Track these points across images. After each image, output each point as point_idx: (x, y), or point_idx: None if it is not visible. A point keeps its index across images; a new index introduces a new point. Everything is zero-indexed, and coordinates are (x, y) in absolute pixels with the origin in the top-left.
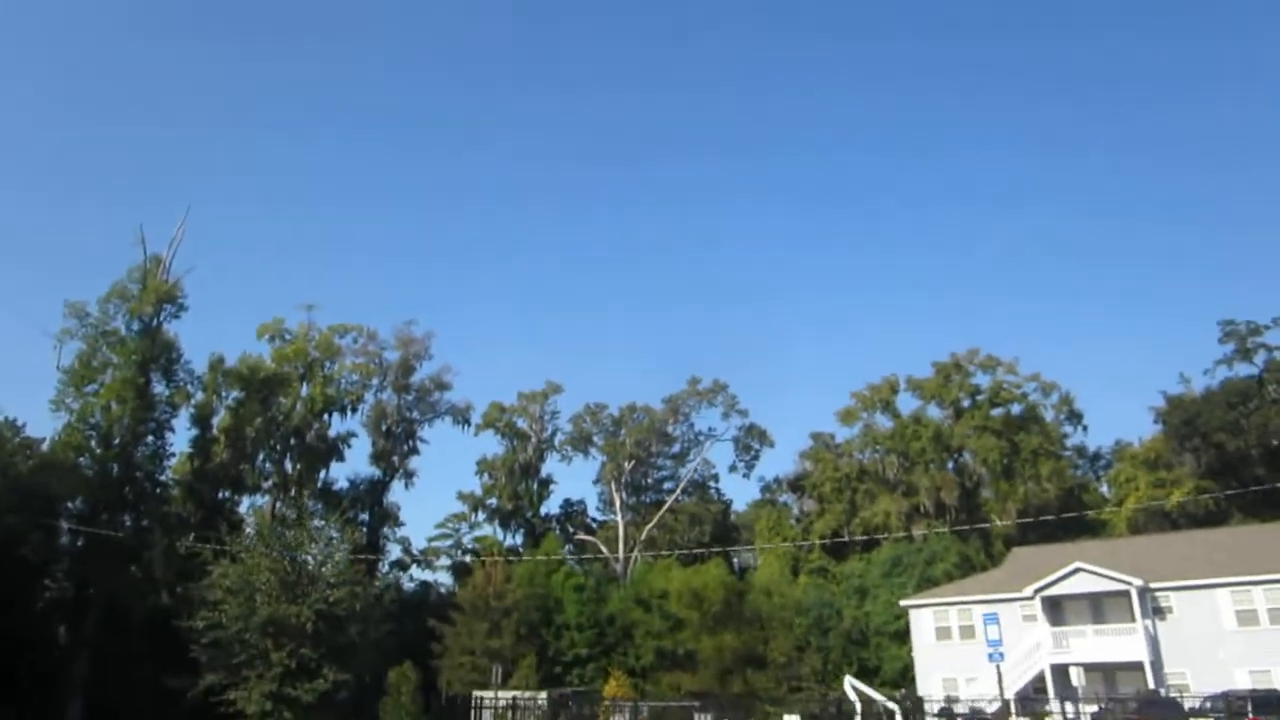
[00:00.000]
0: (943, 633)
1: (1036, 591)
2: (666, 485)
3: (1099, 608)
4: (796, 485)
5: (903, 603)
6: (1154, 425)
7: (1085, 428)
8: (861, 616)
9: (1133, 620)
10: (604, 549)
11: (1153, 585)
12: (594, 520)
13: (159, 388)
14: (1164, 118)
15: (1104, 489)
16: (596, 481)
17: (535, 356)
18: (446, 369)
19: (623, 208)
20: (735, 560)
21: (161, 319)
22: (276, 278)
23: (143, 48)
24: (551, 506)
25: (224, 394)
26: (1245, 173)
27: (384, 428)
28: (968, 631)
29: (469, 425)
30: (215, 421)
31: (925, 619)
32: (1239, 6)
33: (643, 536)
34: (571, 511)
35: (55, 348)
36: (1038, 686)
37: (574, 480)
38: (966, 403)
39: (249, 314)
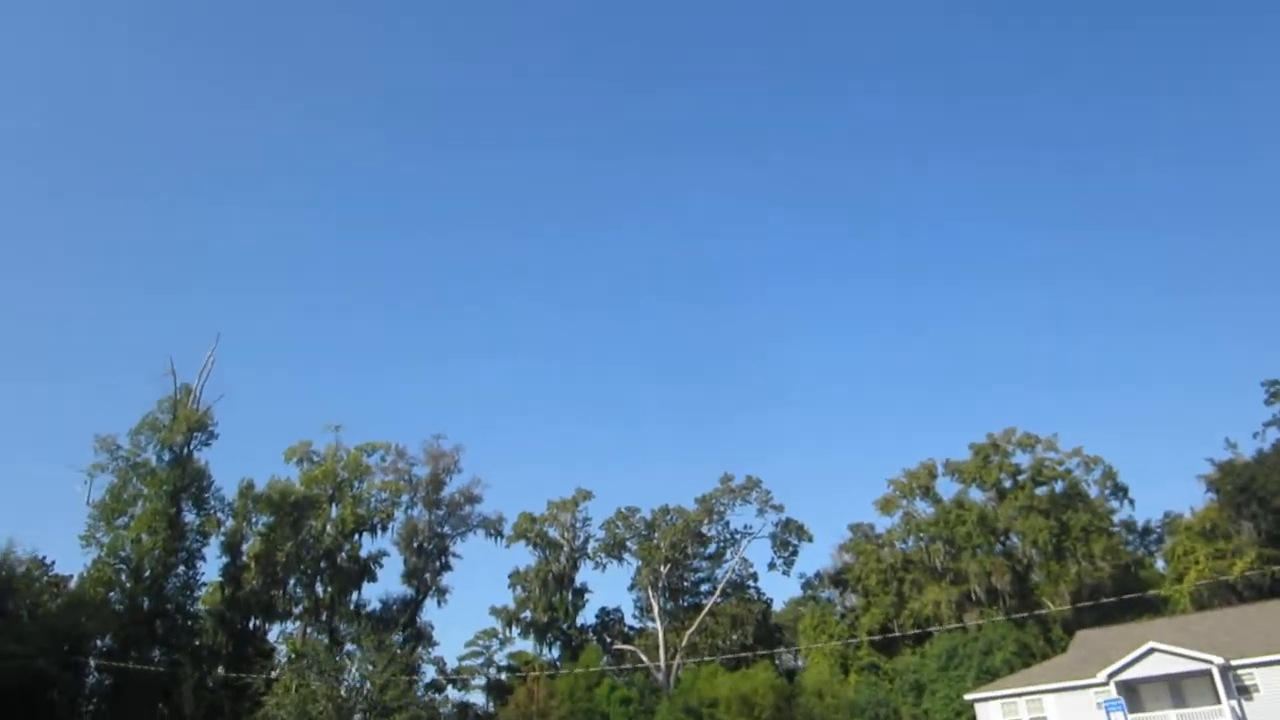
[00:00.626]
0: None
1: (1110, 676)
2: (703, 587)
3: (1178, 690)
4: (839, 580)
5: (967, 697)
6: (1205, 494)
7: (1132, 501)
8: (920, 714)
9: (1217, 701)
10: (644, 657)
11: (1234, 662)
12: (631, 628)
13: (189, 516)
14: (1198, 181)
15: (1160, 564)
16: (632, 588)
17: (563, 464)
18: (476, 481)
19: (644, 304)
20: (779, 662)
21: (191, 448)
22: (301, 398)
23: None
24: (587, 616)
25: (253, 519)
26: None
27: (415, 545)
28: None
29: (501, 538)
30: (245, 548)
31: (992, 713)
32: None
33: (684, 642)
34: (608, 620)
35: (86, 482)
36: None
37: (608, 588)
38: (1008, 483)
39: (275, 437)
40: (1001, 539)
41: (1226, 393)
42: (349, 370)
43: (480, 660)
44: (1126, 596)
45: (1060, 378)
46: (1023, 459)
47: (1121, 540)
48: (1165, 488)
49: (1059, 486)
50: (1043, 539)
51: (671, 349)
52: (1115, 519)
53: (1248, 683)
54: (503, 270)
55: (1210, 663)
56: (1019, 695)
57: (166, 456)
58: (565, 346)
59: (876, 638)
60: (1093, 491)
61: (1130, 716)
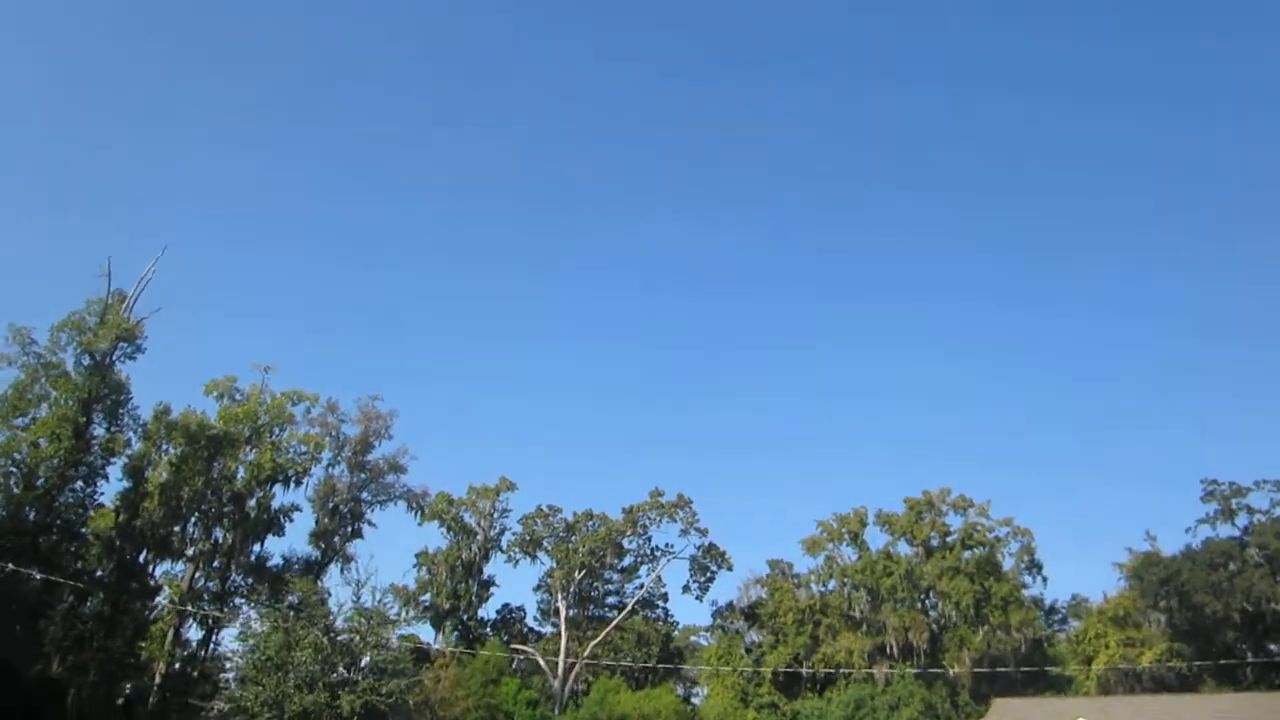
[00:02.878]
0: None
1: None
2: (610, 600)
3: None
4: (751, 614)
5: None
6: (1119, 582)
7: (1045, 579)
8: None
9: None
10: (542, 662)
11: None
12: (532, 630)
13: (99, 431)
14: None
15: (1065, 644)
16: (538, 588)
17: (489, 450)
18: (403, 451)
19: (606, 293)
20: (680, 688)
21: (114, 358)
22: (230, 333)
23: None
24: (488, 611)
25: (163, 447)
26: (1220, 340)
27: (331, 505)
28: None
29: (421, 512)
30: (149, 475)
31: None
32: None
33: (586, 652)
34: (510, 618)
35: None
36: None
37: (514, 586)
38: (935, 542)
39: (197, 367)
40: (924, 596)
41: (1144, 487)
42: (291, 320)
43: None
44: (1030, 670)
45: (990, 447)
46: (954, 520)
47: (1036, 615)
48: (1072, 570)
49: (985, 553)
50: (965, 602)
51: (622, 359)
52: (1026, 593)
53: None
54: (476, 244)
55: None
56: None
57: (85, 361)
58: (507, 327)
59: (782, 677)
60: (1007, 564)
61: None
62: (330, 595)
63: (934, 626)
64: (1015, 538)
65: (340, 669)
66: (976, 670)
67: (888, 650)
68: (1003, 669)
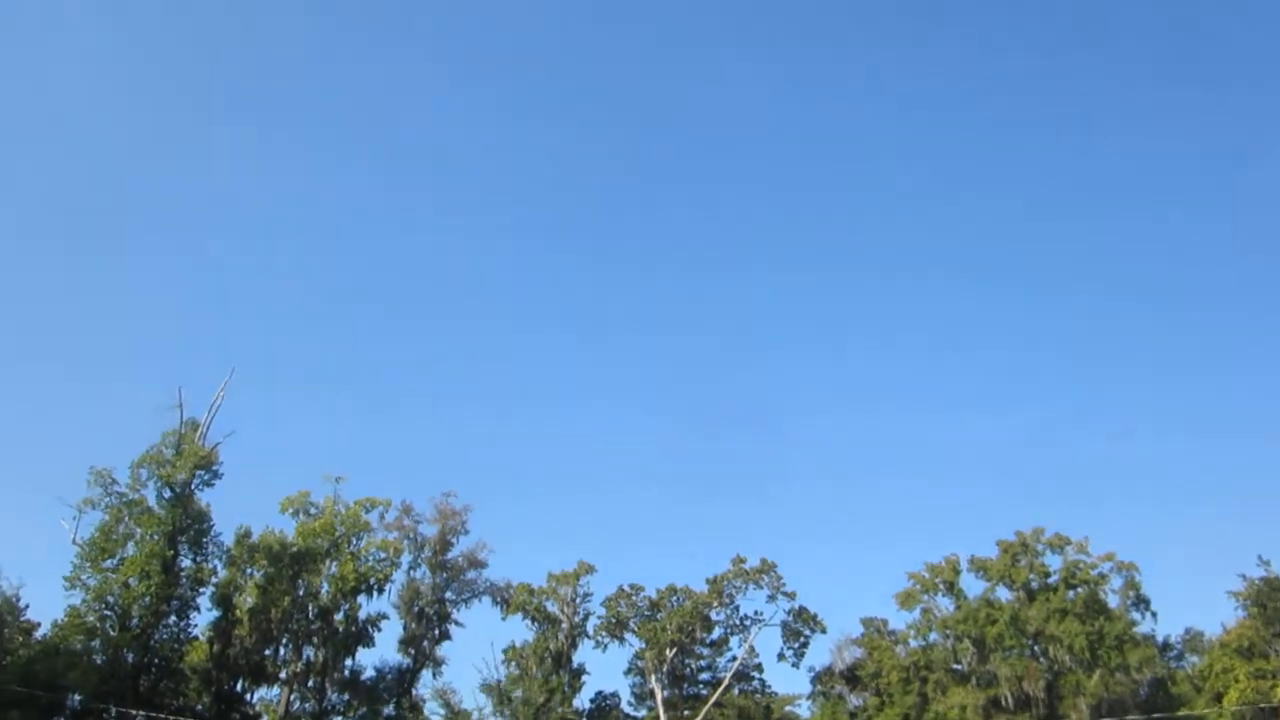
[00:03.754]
0: None
1: None
2: (703, 676)
3: None
4: (852, 676)
5: None
6: (1236, 611)
7: (1154, 615)
8: None
9: None
10: None
11: None
12: (628, 716)
13: (186, 562)
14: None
15: (1185, 681)
16: (629, 671)
17: (565, 536)
18: (481, 545)
19: (660, 370)
20: None
21: (194, 487)
22: (295, 447)
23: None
24: (582, 700)
25: (248, 571)
26: None
27: (416, 609)
28: None
29: (507, 606)
30: (238, 600)
31: None
32: None
33: None
34: (604, 705)
35: (75, 518)
36: None
37: (604, 672)
38: (1035, 584)
39: (268, 487)
40: (1032, 643)
41: (1251, 507)
42: (356, 417)
43: None
44: (1157, 713)
45: (1076, 480)
46: (1053, 560)
47: (1154, 652)
48: (1181, 604)
49: (1089, 591)
50: (1078, 644)
51: (683, 421)
52: (1137, 631)
53: None
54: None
55: None
56: None
57: (167, 494)
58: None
59: None
60: (1112, 601)
61: None
62: (425, 702)
63: (1048, 674)
64: (1119, 573)
65: None
66: (1100, 718)
67: (1002, 703)
68: (1130, 716)
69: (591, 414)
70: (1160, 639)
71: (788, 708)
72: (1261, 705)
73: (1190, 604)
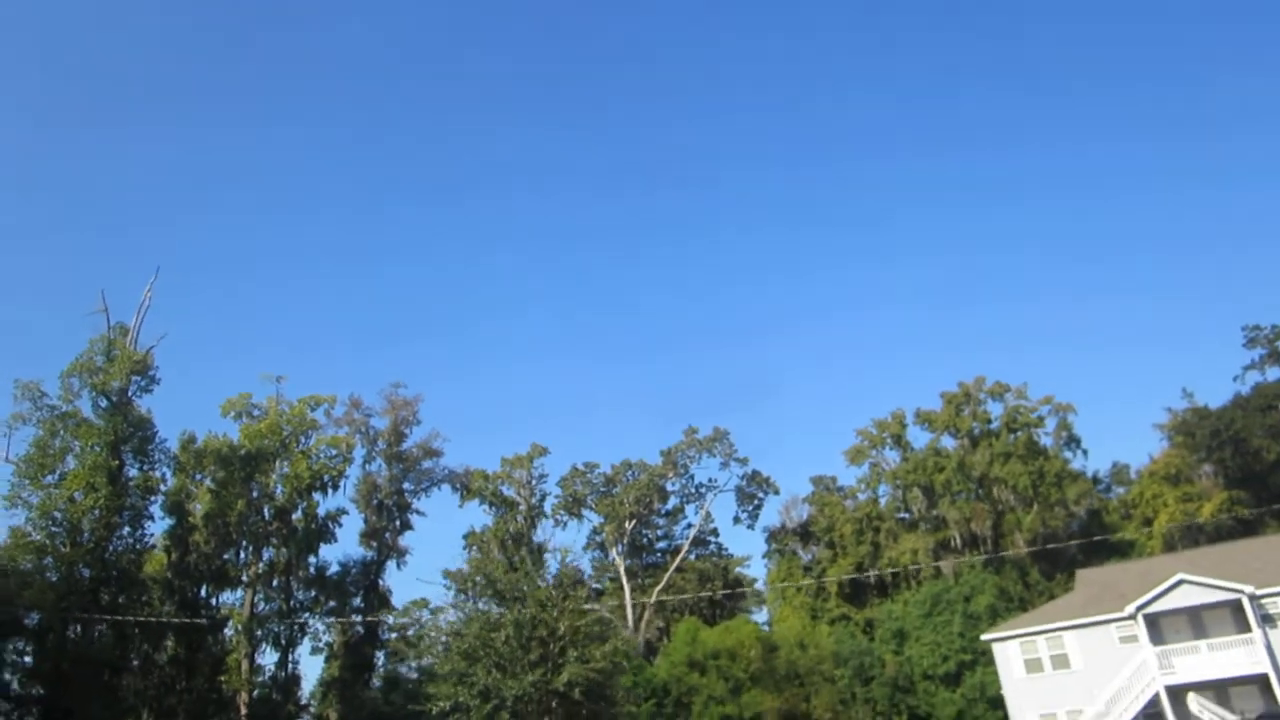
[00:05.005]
0: (1032, 665)
1: (1139, 609)
2: (661, 545)
3: (1198, 622)
4: (806, 532)
5: (985, 637)
6: (1161, 442)
7: (1085, 452)
8: (904, 661)
9: (1247, 630)
10: (611, 617)
11: (1259, 592)
12: (592, 589)
13: (132, 471)
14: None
15: (1116, 511)
16: (587, 547)
17: (515, 421)
18: (435, 435)
19: (595, 248)
20: (749, 617)
21: (131, 394)
22: (227, 350)
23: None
24: (545, 579)
25: (197, 476)
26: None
27: (375, 502)
28: (1060, 661)
29: (467, 492)
30: (190, 507)
31: (1011, 652)
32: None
33: (652, 599)
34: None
35: (5, 435)
36: (1150, 713)
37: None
38: (978, 432)
39: (205, 391)
40: (977, 486)
41: (1168, 347)
42: (280, 324)
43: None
44: (1095, 539)
45: (1011, 330)
46: (994, 408)
47: (1091, 486)
48: (1107, 440)
49: (1029, 434)
50: (1022, 484)
51: (626, 291)
52: (1071, 468)
53: (1271, 612)
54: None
55: (1241, 592)
56: (1038, 634)
57: (103, 404)
58: (512, 296)
59: (852, 583)
60: (1046, 442)
61: (1155, 649)
62: (391, 593)
63: (993, 514)
64: (1055, 414)
65: (542, 646)
66: (1049, 547)
67: (951, 544)
68: (1070, 543)
69: (532, 296)
70: (1090, 474)
71: (738, 569)
72: (1189, 524)
73: (1114, 440)
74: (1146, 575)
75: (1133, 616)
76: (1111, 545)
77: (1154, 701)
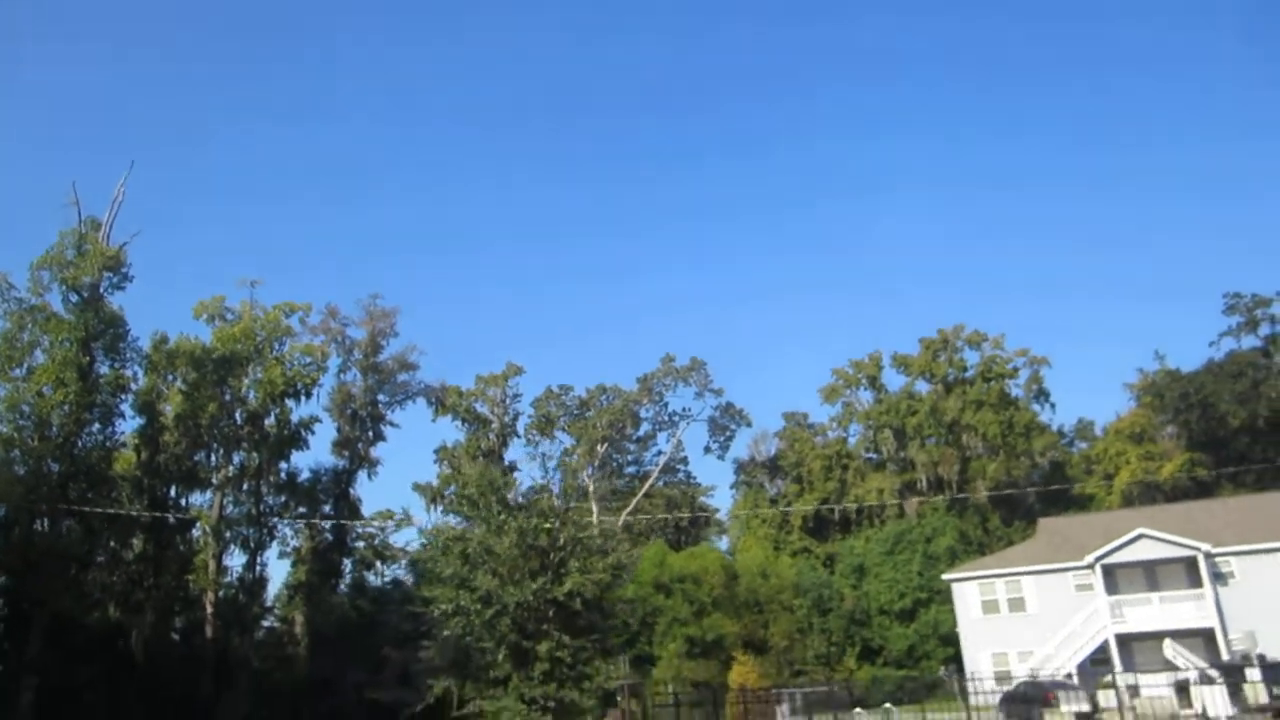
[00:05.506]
0: (989, 606)
1: (1097, 560)
2: (630, 469)
3: (1153, 576)
4: (774, 466)
5: (945, 576)
6: (1128, 401)
7: (1053, 406)
8: (862, 595)
9: (1199, 586)
10: (612, 528)
11: (1214, 551)
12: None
13: (103, 369)
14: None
15: (1079, 464)
16: (559, 468)
17: (491, 339)
18: (411, 348)
19: (583, 171)
20: (711, 545)
21: (103, 290)
22: (200, 251)
23: None
24: (515, 497)
25: (169, 377)
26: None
27: (349, 411)
28: (1017, 604)
29: (441, 406)
30: (160, 407)
31: (970, 592)
32: None
33: (620, 522)
34: (536, 497)
35: None
36: (1097, 659)
37: (535, 469)
38: (952, 378)
39: (177, 292)
40: (948, 431)
41: (1143, 307)
42: (259, 227)
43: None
44: (1055, 489)
45: (993, 279)
46: (971, 356)
47: (1058, 439)
48: (1074, 396)
49: (1002, 384)
50: (992, 432)
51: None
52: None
53: (1223, 570)
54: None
55: (1197, 549)
56: (997, 576)
57: (74, 299)
58: (492, 216)
59: (817, 518)
60: (1016, 394)
61: (1109, 599)
62: (361, 502)
63: (960, 459)
64: (1031, 366)
65: (541, 555)
66: (1010, 493)
67: (917, 486)
68: (1030, 490)
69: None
70: (1055, 427)
71: (702, 498)
72: (1148, 482)
73: (1081, 397)
74: (1106, 528)
75: (1091, 566)
76: (1070, 497)
77: (1103, 648)
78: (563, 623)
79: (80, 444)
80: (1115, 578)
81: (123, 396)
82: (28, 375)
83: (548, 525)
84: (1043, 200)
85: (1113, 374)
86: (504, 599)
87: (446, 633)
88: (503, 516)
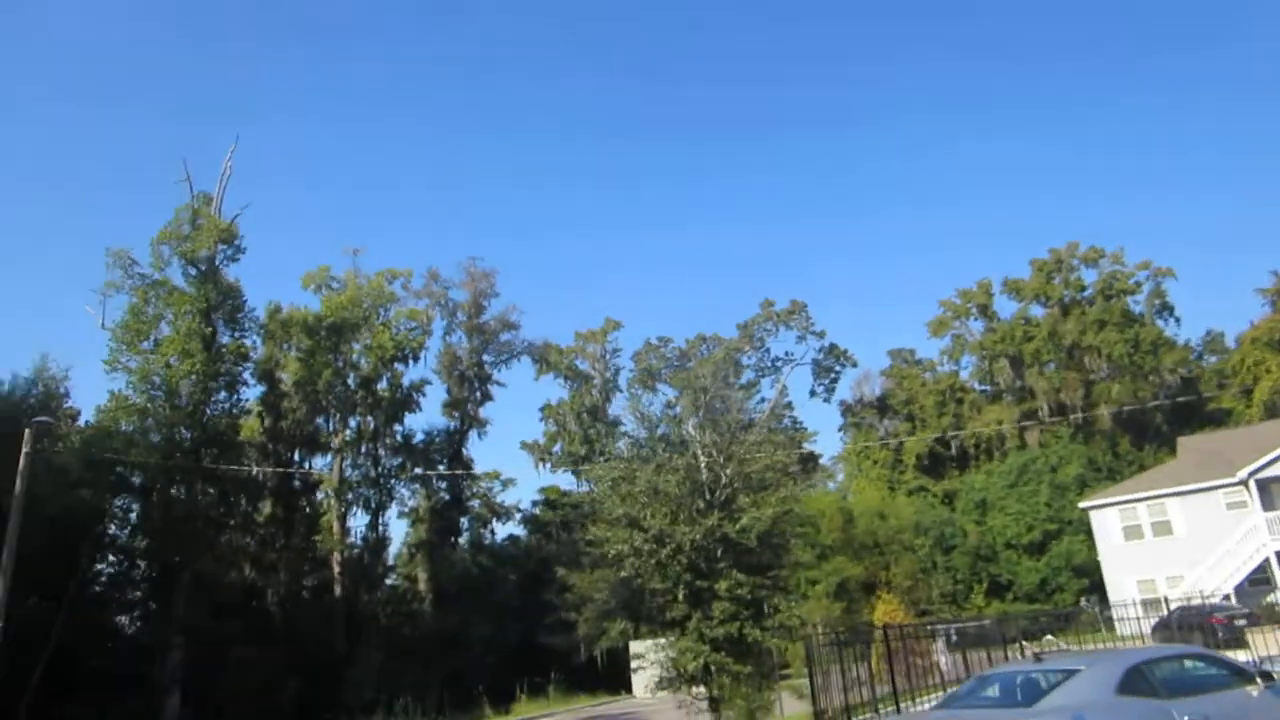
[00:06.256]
0: (1132, 532)
1: (1251, 474)
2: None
3: None
4: (883, 405)
5: (1081, 504)
6: (1262, 307)
7: (1178, 320)
8: (986, 531)
9: None
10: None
11: None
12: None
13: (224, 338)
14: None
15: (1214, 378)
16: (661, 421)
17: (585, 295)
18: (512, 308)
19: (668, 125)
20: (824, 489)
21: (219, 262)
22: (312, 217)
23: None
24: (621, 449)
25: (284, 345)
26: None
27: (457, 373)
28: (1162, 528)
29: (547, 365)
30: (281, 376)
31: (1110, 519)
32: None
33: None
34: (644, 451)
35: (100, 302)
36: (1255, 579)
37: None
38: (1068, 299)
39: (286, 263)
40: (1068, 355)
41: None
42: (367, 189)
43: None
44: (1188, 400)
45: (1101, 189)
46: (1087, 275)
47: (1189, 353)
48: (1200, 306)
49: (1123, 301)
50: (1118, 351)
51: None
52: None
53: None
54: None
55: None
56: (1139, 500)
57: (192, 272)
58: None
59: (935, 451)
60: (1138, 310)
61: (1266, 514)
62: (474, 461)
63: (1084, 383)
64: (1155, 279)
65: (709, 493)
66: (1138, 408)
67: (1039, 414)
68: (1165, 402)
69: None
70: (1183, 342)
71: (806, 444)
72: None
73: (1208, 308)
74: (1254, 441)
75: (1244, 482)
76: (1206, 414)
77: (1263, 567)
78: (736, 560)
79: (209, 412)
80: (1271, 493)
81: (245, 365)
82: (156, 347)
83: (712, 461)
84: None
85: (1241, 280)
86: (677, 538)
87: (623, 574)
88: (668, 453)
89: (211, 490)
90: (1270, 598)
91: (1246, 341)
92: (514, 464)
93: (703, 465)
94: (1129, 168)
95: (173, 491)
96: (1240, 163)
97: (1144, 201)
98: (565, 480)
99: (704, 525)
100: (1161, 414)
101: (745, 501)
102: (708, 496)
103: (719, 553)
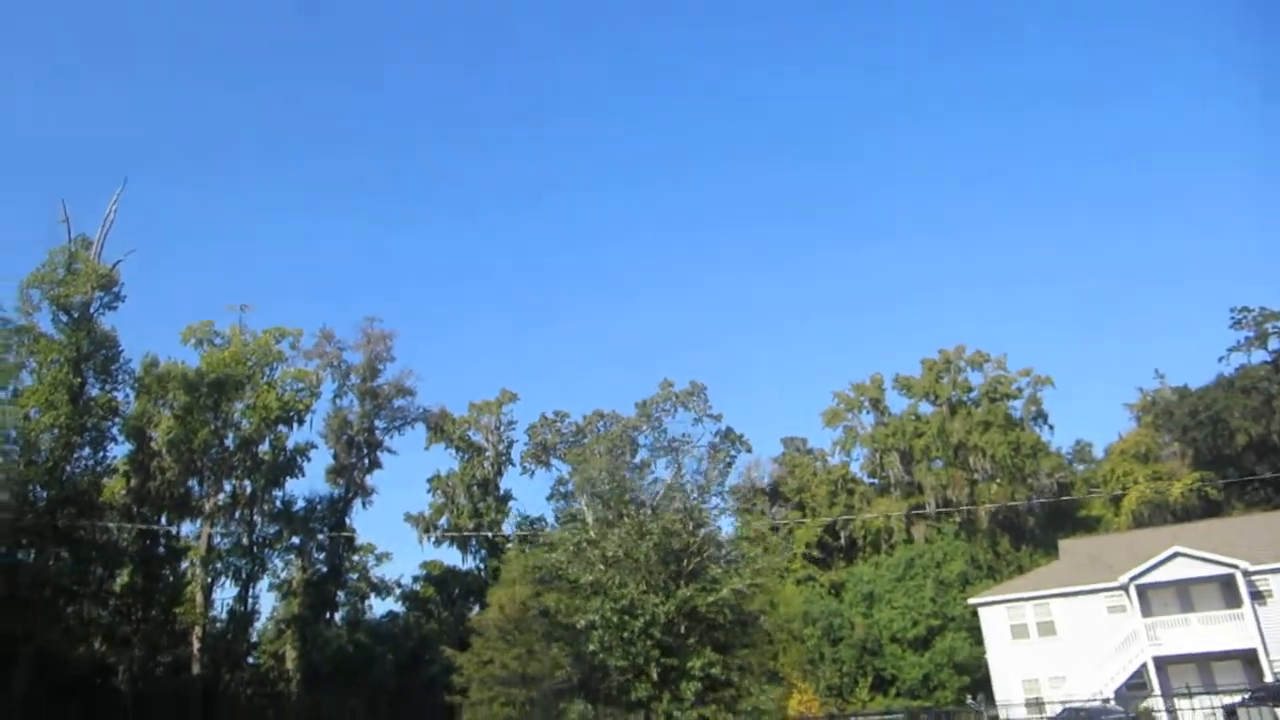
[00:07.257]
0: (1018, 631)
1: (1131, 580)
2: (626, 496)
3: (1185, 596)
4: (775, 492)
5: (971, 601)
6: (1129, 421)
7: (1052, 428)
8: (873, 624)
9: (1237, 605)
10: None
11: (1252, 568)
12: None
13: (93, 391)
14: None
15: (1084, 486)
16: (551, 497)
17: (486, 367)
18: (408, 373)
19: (579, 200)
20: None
21: (94, 310)
22: (192, 274)
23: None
24: (509, 527)
25: (159, 401)
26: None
27: (345, 438)
28: (1047, 628)
29: (441, 433)
30: (153, 433)
31: (998, 617)
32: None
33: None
34: (535, 528)
35: None
36: (1133, 684)
37: (529, 498)
38: (955, 399)
39: (168, 314)
40: (955, 453)
41: (1141, 331)
42: (246, 251)
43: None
44: (1065, 499)
45: (987, 302)
46: (974, 377)
47: (1064, 460)
48: (1070, 417)
49: (1005, 405)
50: (1000, 453)
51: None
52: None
53: (1261, 589)
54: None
55: (1235, 567)
56: (1026, 600)
57: (64, 319)
58: (488, 244)
59: (820, 545)
60: (1018, 415)
61: (1144, 620)
62: (356, 532)
63: (969, 482)
64: (1034, 386)
65: (676, 562)
66: (1037, 501)
67: (926, 509)
68: (1041, 500)
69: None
70: (1055, 449)
71: (704, 527)
72: (1156, 502)
73: (1077, 419)
74: (1132, 548)
75: (1124, 587)
76: (1077, 520)
77: (1140, 672)
78: (705, 636)
79: (69, 470)
80: (1149, 599)
81: (114, 420)
82: (14, 398)
83: (681, 528)
84: (1028, 221)
85: (1108, 395)
86: (649, 609)
87: (590, 648)
88: (642, 518)
89: (65, 555)
90: (1146, 703)
91: (1115, 453)
92: (396, 537)
93: (680, 530)
94: (1013, 286)
95: (19, 556)
96: (1114, 290)
97: (1022, 317)
98: (450, 555)
99: (677, 597)
100: (1035, 517)
101: (718, 572)
102: (677, 566)
103: (684, 629)
